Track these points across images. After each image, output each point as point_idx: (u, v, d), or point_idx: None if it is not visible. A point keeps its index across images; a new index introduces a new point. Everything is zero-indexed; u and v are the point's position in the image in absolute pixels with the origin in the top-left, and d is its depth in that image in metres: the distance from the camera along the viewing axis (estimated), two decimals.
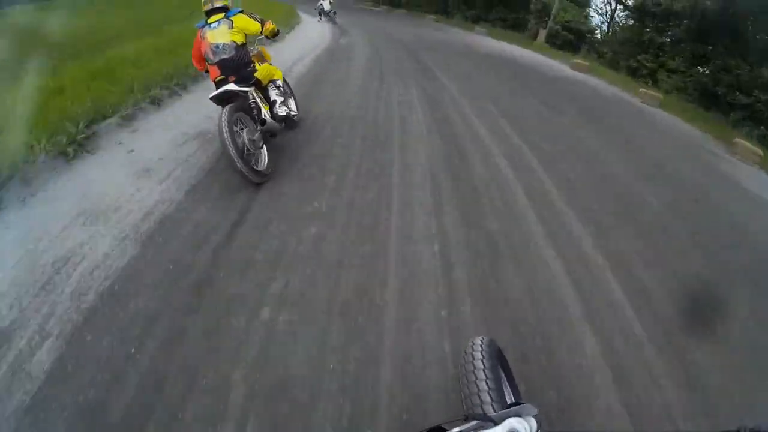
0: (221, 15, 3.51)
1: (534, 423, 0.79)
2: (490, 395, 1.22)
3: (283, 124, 3.77)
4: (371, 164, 3.98)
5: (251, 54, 3.94)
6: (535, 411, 0.84)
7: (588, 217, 3.70)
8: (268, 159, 3.43)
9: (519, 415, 0.80)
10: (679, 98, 12.73)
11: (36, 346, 1.94)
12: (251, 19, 3.60)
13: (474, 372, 1.28)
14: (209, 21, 3.51)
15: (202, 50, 3.54)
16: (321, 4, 15.15)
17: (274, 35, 3.88)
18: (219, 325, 2.13)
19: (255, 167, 3.24)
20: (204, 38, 3.51)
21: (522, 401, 1.19)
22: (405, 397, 1.87)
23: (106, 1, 13.83)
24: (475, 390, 1.24)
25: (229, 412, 1.74)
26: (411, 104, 6.21)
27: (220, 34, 3.46)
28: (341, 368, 1.98)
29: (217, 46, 3.46)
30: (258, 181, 3.22)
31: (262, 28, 3.65)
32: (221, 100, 3.40)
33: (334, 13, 15.33)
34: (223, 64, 3.48)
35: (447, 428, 0.87)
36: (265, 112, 3.45)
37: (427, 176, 3.92)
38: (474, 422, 0.83)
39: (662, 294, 2.91)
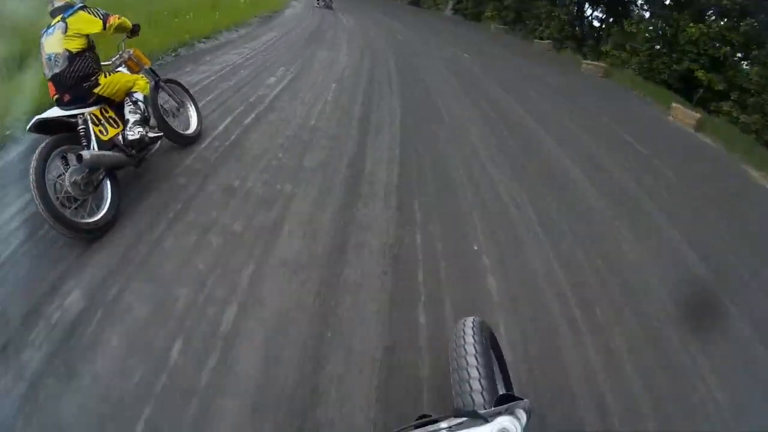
0: (60, 17, 2.70)
1: (524, 415, 0.77)
2: (480, 383, 1.16)
3: (143, 150, 2.91)
4: None
5: (120, 59, 3.12)
6: (526, 405, 0.80)
7: None
8: (110, 202, 2.59)
9: (510, 412, 0.76)
10: None
11: None
12: (91, 16, 2.74)
13: (465, 357, 1.23)
14: (50, 25, 2.72)
15: (42, 64, 2.76)
16: None
17: (127, 32, 3.00)
18: None
19: (80, 219, 2.42)
20: (42, 47, 2.72)
21: (512, 388, 1.37)
22: None
23: None
24: (466, 377, 1.19)
25: None
26: None
27: (53, 42, 2.65)
28: None
29: (49, 57, 2.65)
30: (80, 237, 2.39)
31: (105, 25, 2.77)
32: (53, 129, 2.60)
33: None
34: (55, 80, 2.66)
35: (436, 419, 0.85)
36: (94, 142, 2.58)
37: None
38: (464, 419, 0.79)
39: None
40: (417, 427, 0.87)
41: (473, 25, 18.24)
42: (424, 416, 0.90)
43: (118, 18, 2.85)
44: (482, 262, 2.85)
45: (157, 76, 3.36)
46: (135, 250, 2.42)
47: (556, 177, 4.41)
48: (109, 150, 2.67)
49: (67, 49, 2.63)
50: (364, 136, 4.49)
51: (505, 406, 0.82)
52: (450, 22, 18.66)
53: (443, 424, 0.81)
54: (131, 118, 2.81)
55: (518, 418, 0.75)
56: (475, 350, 1.25)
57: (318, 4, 15.35)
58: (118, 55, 3.13)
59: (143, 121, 2.87)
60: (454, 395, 1.21)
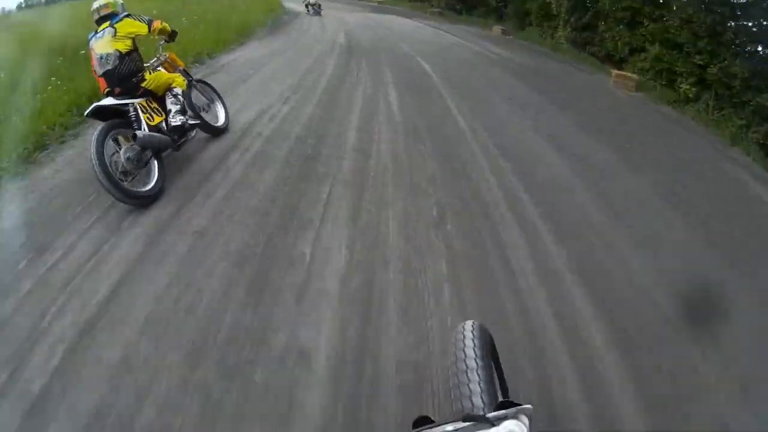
0: (107, 23, 3.18)
1: (527, 421, 0.78)
2: (480, 386, 1.15)
3: (183, 136, 3.34)
4: None
5: (158, 61, 3.58)
6: (530, 411, 0.81)
7: None
8: (158, 177, 3.00)
9: (516, 417, 0.78)
10: None
11: None
12: (137, 21, 3.24)
13: (465, 360, 1.21)
14: (98, 30, 3.20)
15: (92, 63, 3.23)
16: None
17: (167, 35, 3.49)
18: None
19: (134, 188, 2.82)
20: (92, 49, 3.19)
21: (508, 393, 1.30)
22: None
23: None
24: (465, 380, 1.17)
25: None
26: None
27: (104, 44, 3.13)
28: None
29: (101, 57, 3.12)
30: (135, 204, 2.79)
31: (150, 29, 3.27)
32: (105, 116, 3.03)
33: (319, 6, 16.37)
34: (107, 76, 3.12)
35: (440, 423, 0.84)
36: (144, 125, 3.02)
37: None
38: (470, 423, 0.80)
39: None
40: (415, 428, 0.86)
41: None
42: (423, 418, 0.87)
43: (161, 23, 3.36)
44: None
45: (190, 76, 3.84)
46: None
47: None
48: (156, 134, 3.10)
49: (117, 50, 3.10)
50: None
51: (513, 410, 0.81)
52: None
53: (449, 428, 0.79)
54: (173, 108, 3.26)
55: (523, 423, 0.74)
56: (475, 354, 1.21)
57: (309, 12, 16.17)
58: (156, 58, 3.60)
59: (182, 112, 3.31)
60: (452, 399, 1.19)
